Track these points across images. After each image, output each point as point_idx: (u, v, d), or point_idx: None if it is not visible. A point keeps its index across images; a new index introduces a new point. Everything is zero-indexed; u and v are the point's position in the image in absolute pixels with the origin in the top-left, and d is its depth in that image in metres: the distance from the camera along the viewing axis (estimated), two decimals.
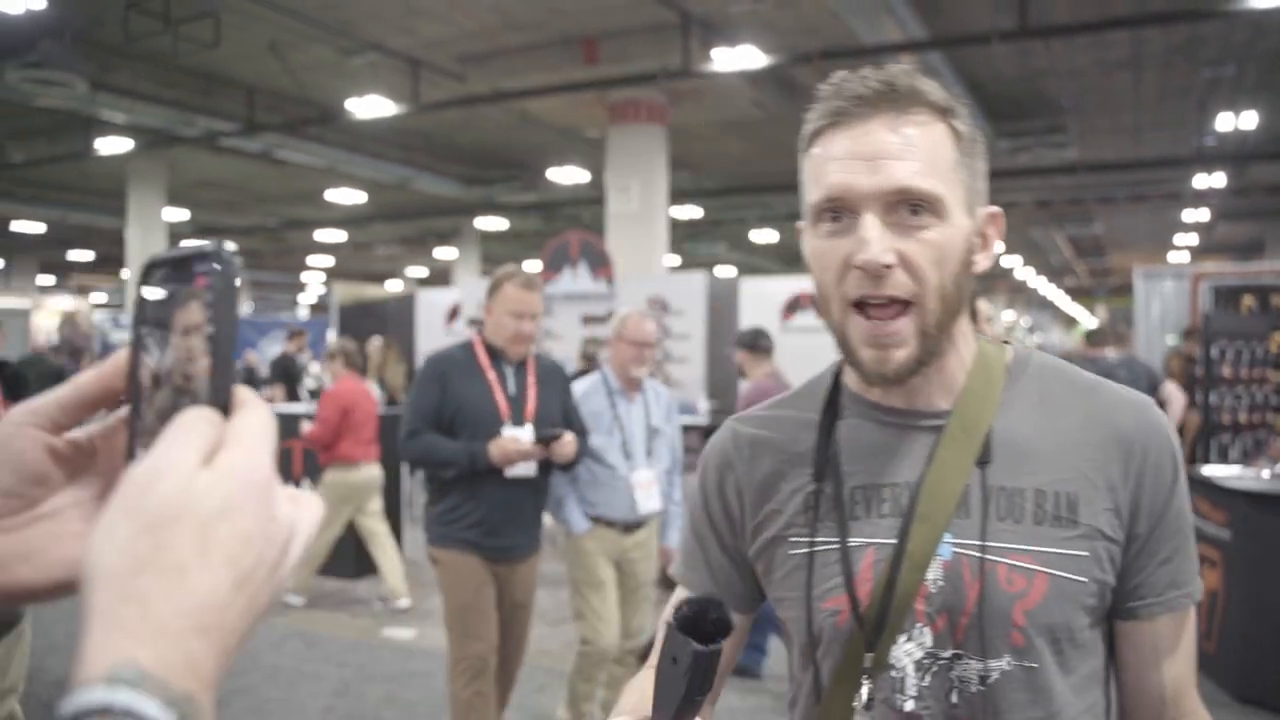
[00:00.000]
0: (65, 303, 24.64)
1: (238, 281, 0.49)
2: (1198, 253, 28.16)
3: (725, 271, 25.79)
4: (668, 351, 10.75)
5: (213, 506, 0.44)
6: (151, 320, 0.51)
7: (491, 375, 3.68)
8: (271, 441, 0.47)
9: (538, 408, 3.74)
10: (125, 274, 19.23)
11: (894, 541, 1.07)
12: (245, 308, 32.27)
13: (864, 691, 1.06)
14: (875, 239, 1.01)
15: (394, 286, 25.79)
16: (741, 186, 18.99)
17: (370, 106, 11.85)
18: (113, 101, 12.20)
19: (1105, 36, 10.41)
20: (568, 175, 16.33)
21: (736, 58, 10.09)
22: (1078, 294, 38.44)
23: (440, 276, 29.35)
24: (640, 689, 1.15)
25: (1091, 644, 1.08)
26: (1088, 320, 37.01)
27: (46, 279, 30.61)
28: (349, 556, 7.28)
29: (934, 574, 1.05)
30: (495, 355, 3.72)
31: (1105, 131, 15.54)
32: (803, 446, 1.16)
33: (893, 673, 1.06)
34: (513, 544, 3.68)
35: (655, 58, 10.76)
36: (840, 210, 1.05)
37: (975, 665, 1.04)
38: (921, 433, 1.11)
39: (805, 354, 10.54)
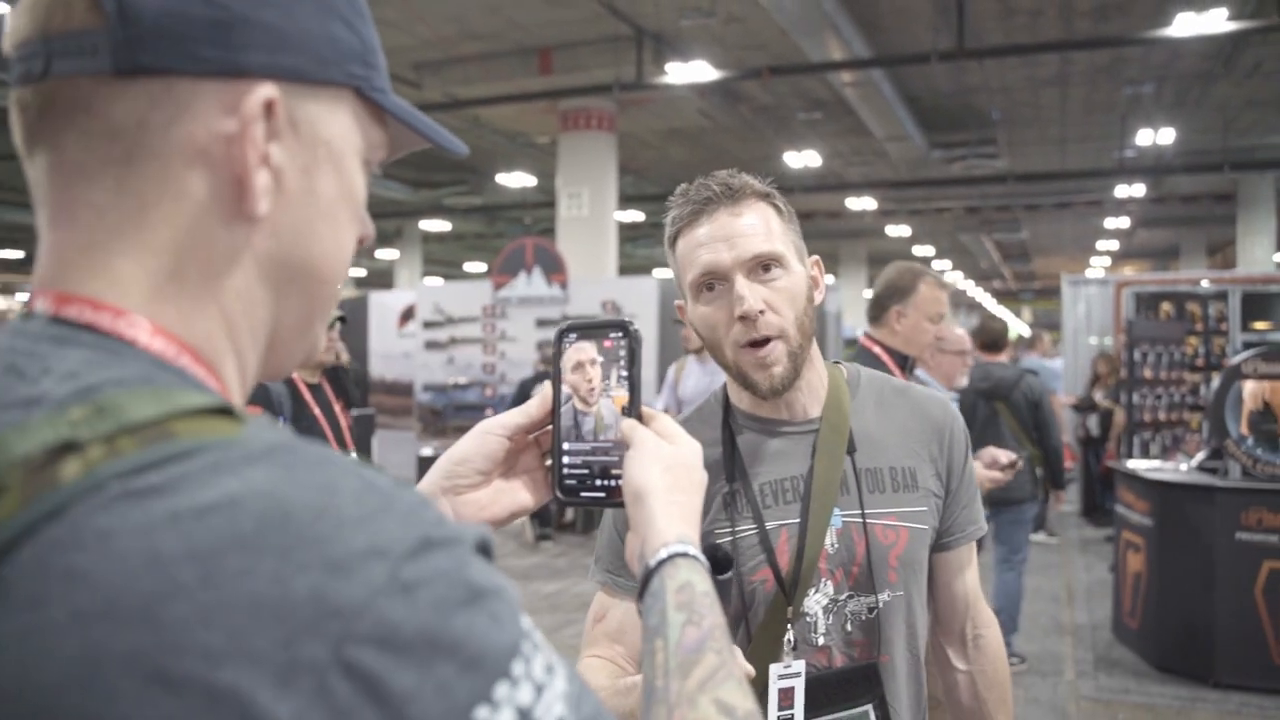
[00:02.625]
0: None
1: (642, 342, 0.84)
2: (1118, 258, 29.29)
3: (664, 274, 26.17)
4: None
5: (689, 459, 0.81)
6: (569, 365, 0.86)
7: None
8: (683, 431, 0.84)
9: None
10: None
11: (798, 521, 1.41)
12: None
13: (790, 635, 1.39)
14: (748, 294, 1.33)
15: None
16: None
17: None
18: None
19: (1035, 56, 11.01)
20: (515, 180, 16.59)
21: (689, 72, 10.47)
22: (1004, 297, 39.61)
23: (380, 277, 29.33)
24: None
25: (925, 572, 1.48)
26: (1014, 322, 38.15)
27: None
28: None
29: (830, 540, 1.40)
30: (902, 365, 3.24)
31: (1033, 143, 16.25)
32: (711, 459, 1.39)
33: (806, 619, 1.40)
34: None
35: (607, 68, 11.11)
36: (714, 280, 1.37)
37: (865, 600, 1.40)
38: (803, 436, 1.45)
39: None
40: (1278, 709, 4.85)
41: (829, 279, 23.98)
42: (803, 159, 15.29)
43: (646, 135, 15.26)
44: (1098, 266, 29.52)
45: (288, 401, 3.79)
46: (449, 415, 11.14)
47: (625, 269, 22.54)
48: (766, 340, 1.35)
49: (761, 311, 1.34)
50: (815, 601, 1.40)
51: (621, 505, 0.82)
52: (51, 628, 0.42)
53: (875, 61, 10.52)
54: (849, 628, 1.40)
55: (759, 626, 1.40)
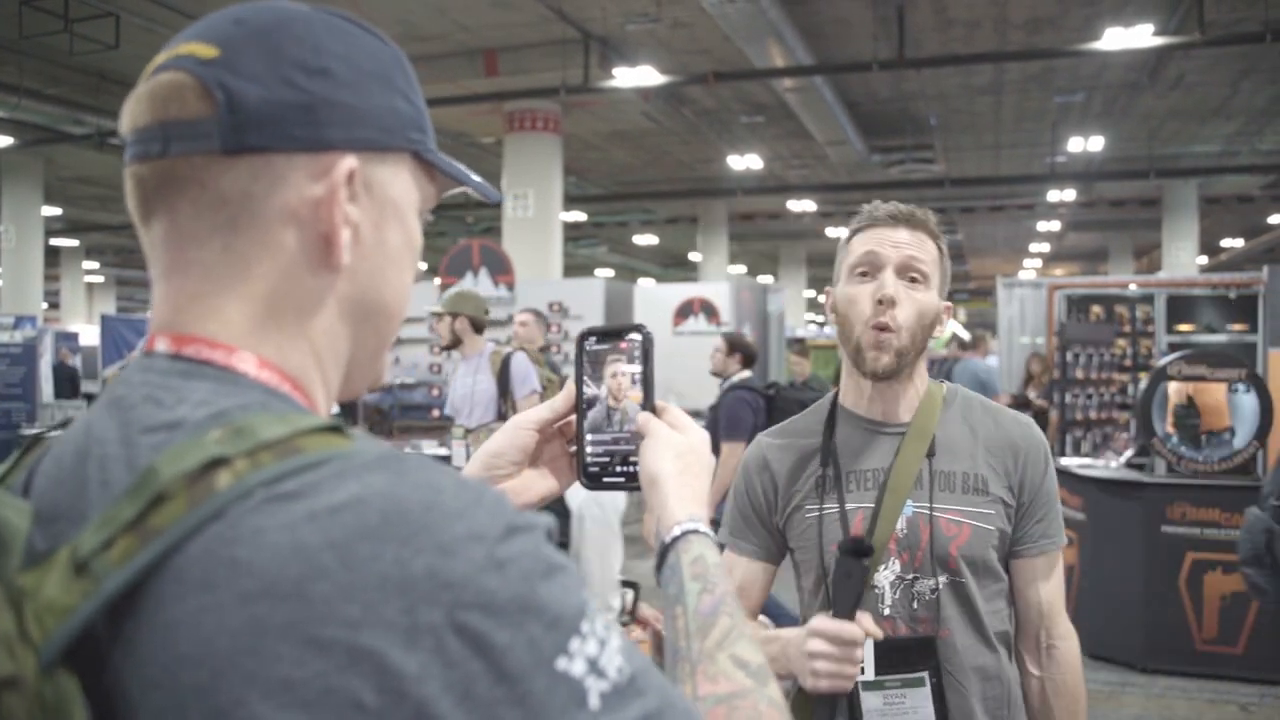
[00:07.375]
0: None
1: (654, 345, 0.94)
2: (1049, 259, 30.03)
3: (606, 273, 26.33)
4: (567, 355, 11.19)
5: (698, 447, 0.91)
6: (589, 366, 0.96)
7: None
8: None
9: None
10: None
11: (874, 505, 1.63)
12: (111, 307, 31.17)
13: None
14: (892, 283, 1.59)
15: None
16: (625, 193, 19.53)
17: None
18: None
19: (971, 66, 11.31)
20: None
21: (635, 76, 10.58)
22: None
23: None
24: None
25: (997, 572, 1.64)
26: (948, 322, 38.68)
27: None
28: None
29: (900, 525, 1.61)
30: None
31: (968, 149, 16.65)
32: (813, 447, 1.71)
33: (875, 590, 1.61)
34: None
35: (553, 71, 11.18)
36: (869, 269, 1.62)
37: (928, 582, 1.59)
38: (891, 436, 1.67)
39: (693, 355, 11.16)
40: (1200, 691, 5.10)
41: (768, 279, 24.34)
42: (745, 162, 15.53)
43: (590, 137, 15.36)
44: (1030, 268, 30.24)
45: None
46: (395, 415, 11.12)
47: (568, 268, 22.58)
48: (888, 328, 1.58)
49: (897, 303, 1.57)
50: (884, 577, 1.60)
51: (639, 489, 0.91)
52: (222, 605, 0.51)
53: (817, 69, 10.73)
54: (915, 605, 1.60)
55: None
